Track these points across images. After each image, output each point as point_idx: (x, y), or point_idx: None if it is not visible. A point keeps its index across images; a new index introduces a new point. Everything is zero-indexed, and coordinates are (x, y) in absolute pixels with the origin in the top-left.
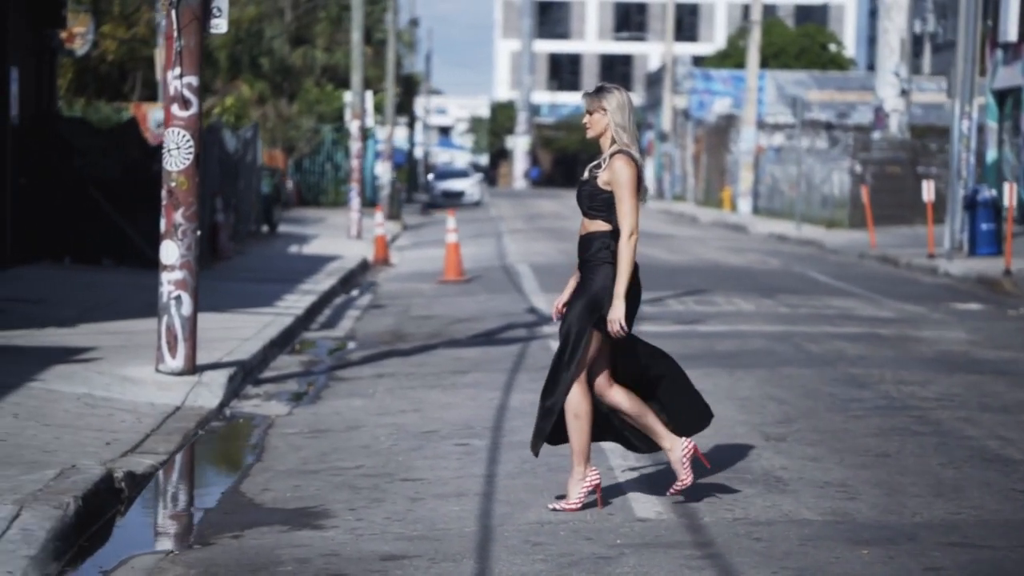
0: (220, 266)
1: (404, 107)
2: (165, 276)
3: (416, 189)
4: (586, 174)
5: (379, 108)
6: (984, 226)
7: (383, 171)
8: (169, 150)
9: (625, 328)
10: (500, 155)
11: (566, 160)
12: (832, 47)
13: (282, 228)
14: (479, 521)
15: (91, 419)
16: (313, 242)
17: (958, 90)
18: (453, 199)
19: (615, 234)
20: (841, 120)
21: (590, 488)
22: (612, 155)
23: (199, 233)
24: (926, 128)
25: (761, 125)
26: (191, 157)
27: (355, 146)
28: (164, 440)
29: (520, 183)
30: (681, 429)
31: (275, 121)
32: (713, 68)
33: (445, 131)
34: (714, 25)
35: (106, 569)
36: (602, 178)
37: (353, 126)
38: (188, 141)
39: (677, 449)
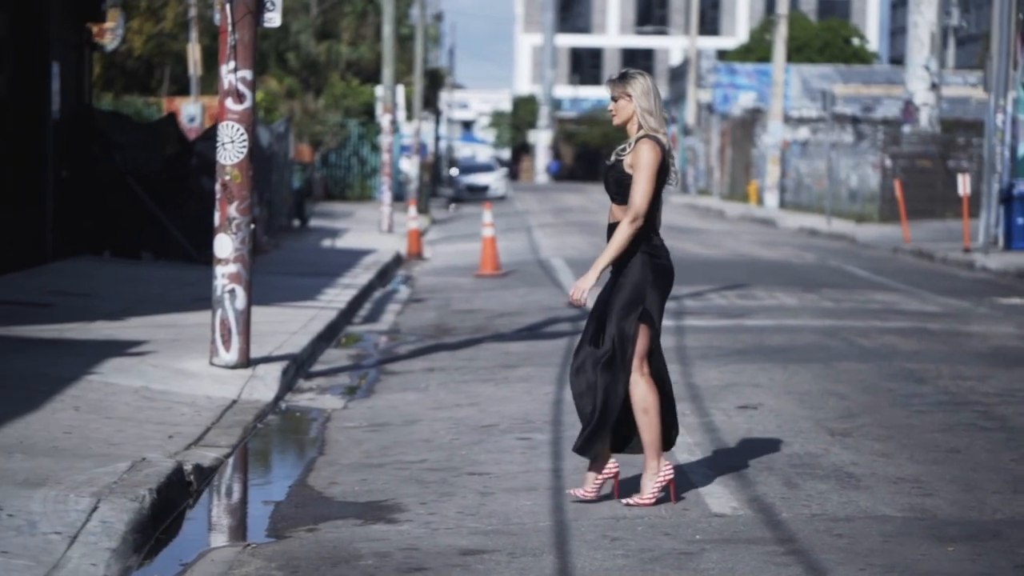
0: (257, 260)
1: (429, 101)
2: (219, 270)
3: (440, 183)
4: (612, 157)
5: (406, 103)
6: (1021, 220)
7: (410, 166)
8: (223, 144)
9: (584, 299)
10: (522, 149)
11: (588, 154)
12: (855, 41)
13: (312, 222)
14: (553, 516)
15: (151, 412)
16: (345, 236)
17: (993, 84)
18: (478, 193)
19: (646, 222)
20: (867, 114)
21: (664, 483)
22: (638, 139)
23: (253, 227)
24: (952, 122)
25: (786, 119)
26: (245, 151)
27: (386, 140)
28: (225, 433)
29: (542, 177)
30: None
31: (301, 115)
32: (735, 62)
33: (467, 125)
34: (736, 19)
35: (185, 562)
36: (627, 161)
37: (384, 120)
38: (242, 135)
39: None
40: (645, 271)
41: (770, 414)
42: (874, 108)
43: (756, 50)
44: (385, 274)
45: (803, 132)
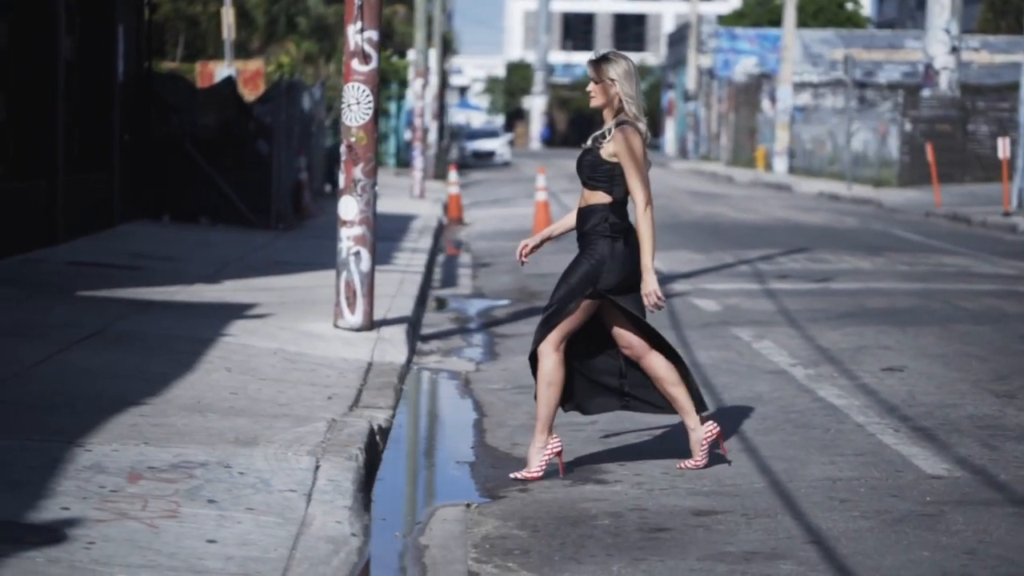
0: (308, 224)
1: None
2: (344, 232)
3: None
4: (588, 142)
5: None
6: None
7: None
8: (349, 105)
9: (663, 299)
10: (516, 115)
11: (582, 120)
12: (849, 6)
13: None
14: (762, 477)
15: (298, 374)
16: (379, 202)
17: None
18: (483, 159)
19: (615, 207)
20: (868, 79)
21: (551, 456)
22: (617, 126)
23: (376, 188)
24: (964, 86)
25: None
26: (370, 112)
27: (418, 105)
28: (379, 395)
29: (536, 143)
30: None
31: (314, 80)
32: (735, 27)
33: (462, 91)
34: None
35: (417, 521)
36: (607, 150)
37: (416, 84)
38: (368, 96)
39: (700, 430)
40: (604, 254)
41: (920, 376)
42: (875, 73)
43: (750, 15)
44: (438, 238)
45: (804, 97)
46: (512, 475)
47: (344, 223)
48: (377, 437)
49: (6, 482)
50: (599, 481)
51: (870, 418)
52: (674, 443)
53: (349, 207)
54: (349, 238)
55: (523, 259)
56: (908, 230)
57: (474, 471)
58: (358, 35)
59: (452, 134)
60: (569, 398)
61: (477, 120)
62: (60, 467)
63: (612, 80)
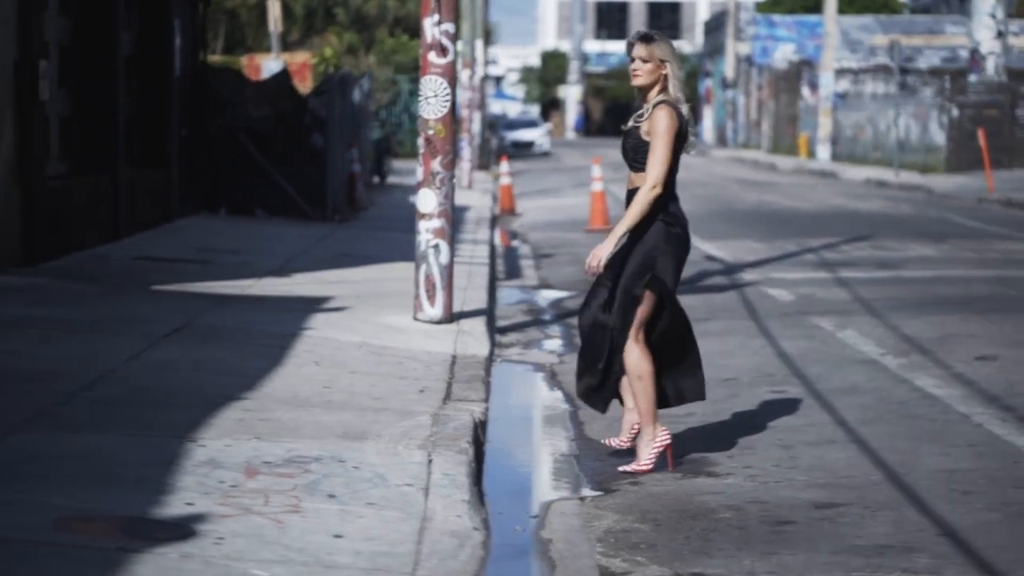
0: (362, 216)
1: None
2: (423, 224)
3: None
4: (630, 122)
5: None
6: None
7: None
8: (427, 98)
9: (600, 267)
10: (551, 105)
11: (617, 109)
12: None
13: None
14: (878, 469)
15: (385, 367)
16: None
17: None
18: (523, 149)
19: (664, 189)
20: (908, 64)
21: (660, 449)
22: (656, 105)
23: (454, 180)
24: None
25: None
26: (448, 105)
27: (466, 96)
28: (468, 388)
29: (572, 133)
30: (679, 396)
31: (356, 71)
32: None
33: (497, 81)
34: None
35: (533, 515)
36: (644, 128)
37: (464, 75)
38: (445, 89)
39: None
40: (659, 239)
41: (1016, 364)
42: (915, 59)
43: (786, 2)
44: (493, 229)
45: (843, 84)
46: (621, 468)
47: (423, 216)
48: (480, 431)
49: (126, 479)
50: (710, 474)
51: (973, 408)
52: (780, 434)
53: (428, 200)
54: (428, 231)
55: (597, 271)
56: (965, 216)
57: (580, 464)
58: (435, 28)
59: (490, 124)
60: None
61: (513, 110)
62: (177, 463)
63: (662, 60)
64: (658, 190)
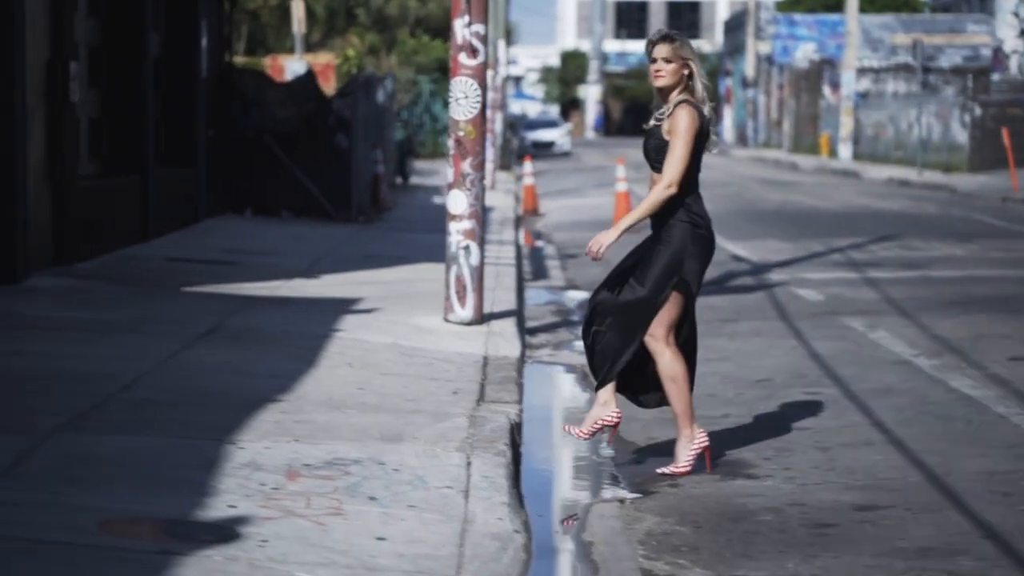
0: (386, 216)
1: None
2: (454, 226)
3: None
4: (651, 122)
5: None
6: None
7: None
8: (457, 99)
9: (601, 254)
10: (571, 105)
11: (637, 109)
12: None
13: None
14: (916, 471)
15: (417, 368)
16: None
17: None
18: (543, 149)
19: (688, 189)
20: (929, 63)
21: (699, 451)
22: (677, 104)
23: (484, 182)
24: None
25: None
26: (478, 106)
27: (490, 96)
28: (501, 389)
29: (591, 133)
30: (661, 400)
31: (377, 72)
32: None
33: (516, 81)
34: None
35: (573, 516)
36: (665, 127)
37: (488, 76)
38: (476, 90)
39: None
40: (686, 241)
41: None
42: (936, 58)
43: (804, 1)
44: (518, 229)
45: (864, 83)
46: (659, 470)
47: (453, 217)
48: (515, 432)
49: (167, 480)
50: (749, 476)
51: (1011, 408)
52: (816, 436)
53: (458, 201)
54: (458, 232)
55: (596, 257)
56: (990, 216)
57: (617, 466)
58: (465, 29)
59: (510, 125)
60: (627, 386)
61: (532, 110)
62: (217, 465)
63: (685, 61)
64: (673, 190)
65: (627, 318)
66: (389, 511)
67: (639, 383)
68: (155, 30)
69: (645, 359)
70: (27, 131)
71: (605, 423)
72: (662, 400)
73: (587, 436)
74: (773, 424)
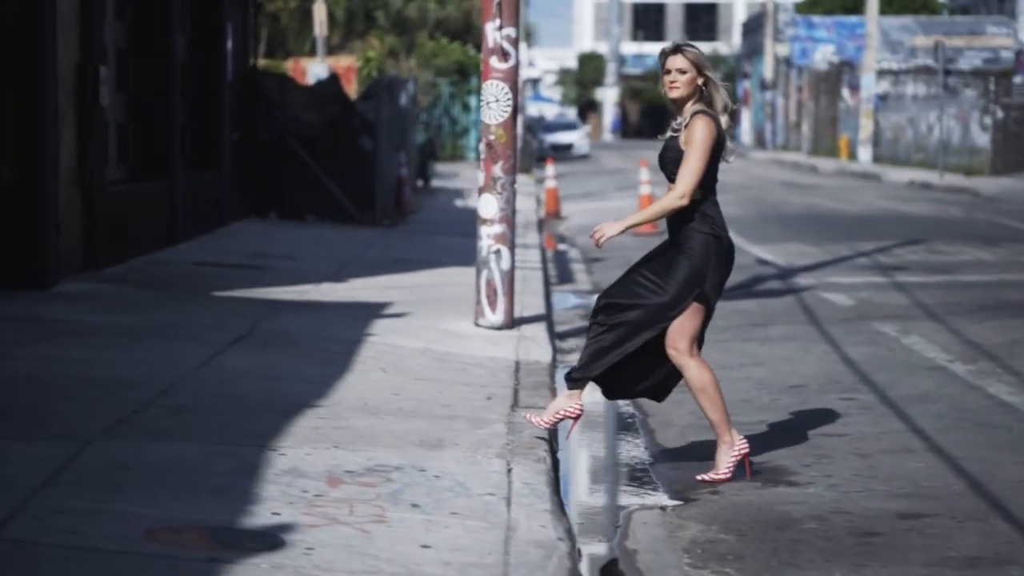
0: (410, 220)
1: None
2: (484, 230)
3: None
4: (668, 133)
5: None
6: None
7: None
8: (488, 103)
9: (603, 241)
10: (588, 107)
11: (654, 111)
12: None
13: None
14: (958, 478)
15: (450, 373)
16: (471, 196)
17: None
18: (561, 152)
19: (706, 197)
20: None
21: (739, 457)
22: (694, 114)
23: (515, 186)
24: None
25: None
26: (510, 109)
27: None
28: (534, 394)
29: (608, 135)
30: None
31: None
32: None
33: (534, 83)
34: None
35: (615, 524)
36: (682, 138)
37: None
38: (507, 93)
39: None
40: (709, 253)
41: None
42: (956, 60)
43: (824, 3)
44: (541, 233)
45: (884, 85)
46: (699, 477)
47: (484, 221)
48: (549, 438)
49: (209, 488)
50: (790, 483)
51: None
52: (855, 443)
53: (489, 205)
54: (489, 236)
55: (599, 243)
56: (1015, 219)
57: (656, 472)
58: (496, 32)
59: (529, 127)
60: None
61: (550, 112)
62: (259, 472)
63: (701, 70)
64: (684, 201)
65: (639, 319)
66: (432, 518)
67: (621, 389)
68: (181, 33)
69: (631, 360)
70: (59, 135)
71: (567, 414)
72: (637, 392)
73: (547, 425)
74: (811, 430)
